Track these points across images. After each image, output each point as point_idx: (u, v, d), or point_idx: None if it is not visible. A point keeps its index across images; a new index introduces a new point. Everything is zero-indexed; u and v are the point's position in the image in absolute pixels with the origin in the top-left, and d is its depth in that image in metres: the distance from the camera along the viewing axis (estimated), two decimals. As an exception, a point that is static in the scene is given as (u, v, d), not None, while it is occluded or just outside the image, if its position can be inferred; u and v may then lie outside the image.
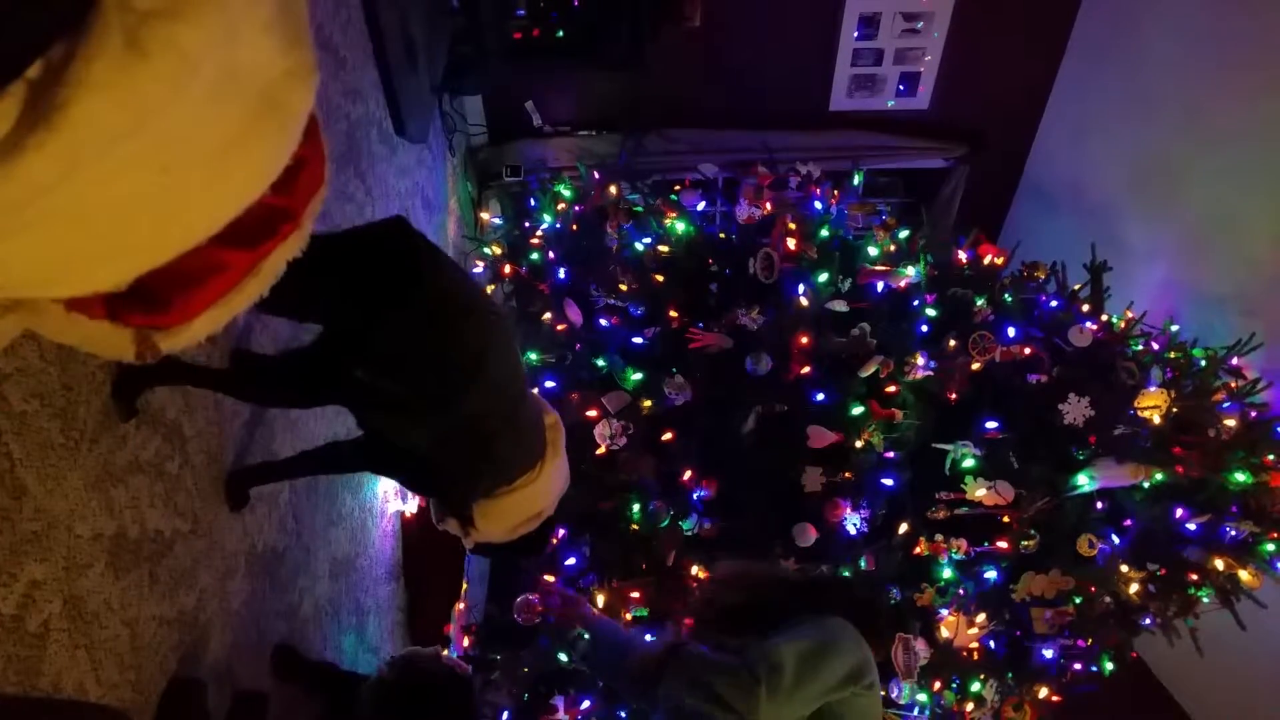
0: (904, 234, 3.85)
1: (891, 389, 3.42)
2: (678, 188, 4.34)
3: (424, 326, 1.76)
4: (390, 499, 3.69)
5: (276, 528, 2.52)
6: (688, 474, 3.44)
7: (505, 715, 3.68)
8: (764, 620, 1.97)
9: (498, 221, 4.80)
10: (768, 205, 3.87)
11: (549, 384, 3.60)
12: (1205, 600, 3.60)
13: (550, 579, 3.49)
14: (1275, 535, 3.49)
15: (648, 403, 3.49)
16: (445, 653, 2.84)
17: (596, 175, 4.28)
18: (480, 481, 2.04)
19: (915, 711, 3.49)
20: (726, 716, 1.76)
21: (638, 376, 3.50)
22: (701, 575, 3.45)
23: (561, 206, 4.23)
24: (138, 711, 1.83)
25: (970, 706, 3.53)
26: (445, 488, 2.13)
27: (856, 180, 4.29)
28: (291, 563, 2.64)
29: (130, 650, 1.80)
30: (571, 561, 3.48)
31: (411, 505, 3.78)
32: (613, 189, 4.14)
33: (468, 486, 2.05)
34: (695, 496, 3.47)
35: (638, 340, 3.61)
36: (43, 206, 0.80)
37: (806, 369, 3.42)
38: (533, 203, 4.45)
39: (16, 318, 0.97)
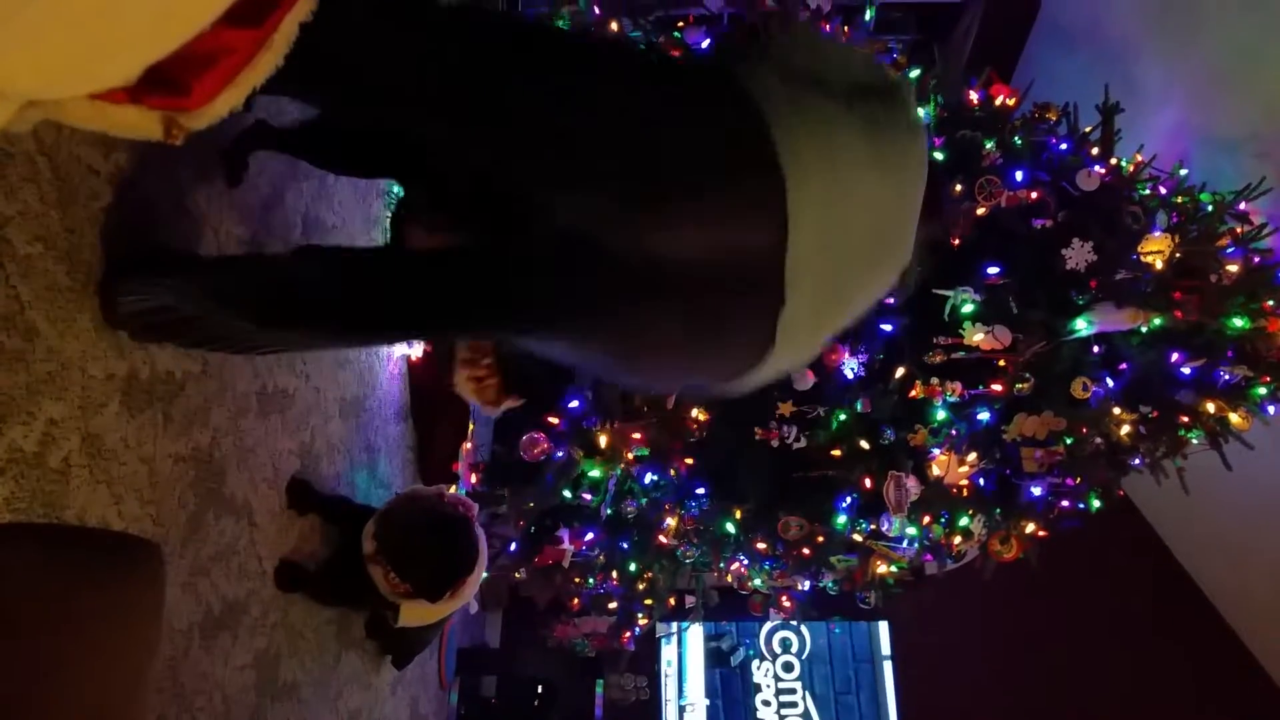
0: (915, 73, 3.75)
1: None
2: (681, 24, 4.18)
3: None
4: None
5: (286, 369, 2.57)
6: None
7: (512, 546, 3.85)
8: None
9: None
10: (774, 43, 3.75)
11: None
12: (1194, 441, 3.70)
13: (554, 420, 3.58)
14: (1268, 379, 3.55)
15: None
16: (452, 490, 2.94)
17: (597, 10, 4.12)
18: None
19: (905, 544, 3.65)
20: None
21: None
22: (702, 418, 3.54)
23: (561, 44, 4.09)
24: (161, 541, 1.92)
25: (958, 540, 3.68)
26: None
27: (868, 15, 4.13)
28: (302, 403, 2.70)
29: (149, 486, 1.88)
30: (575, 404, 3.56)
31: (417, 349, 3.83)
32: (614, 25, 3.99)
33: None
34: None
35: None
36: (33, 14, 0.79)
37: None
38: (532, 40, 4.30)
39: (40, 109, 0.98)
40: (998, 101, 3.71)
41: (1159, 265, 3.46)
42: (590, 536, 3.79)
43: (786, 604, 4.36)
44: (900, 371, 3.47)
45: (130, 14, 0.87)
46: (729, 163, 1.27)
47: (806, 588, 4.29)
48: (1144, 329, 3.50)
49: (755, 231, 1.26)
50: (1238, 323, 3.48)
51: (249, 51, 1.05)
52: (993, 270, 3.42)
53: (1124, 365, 3.60)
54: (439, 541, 2.85)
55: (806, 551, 3.76)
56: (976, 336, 3.38)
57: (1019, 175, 3.48)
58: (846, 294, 1.42)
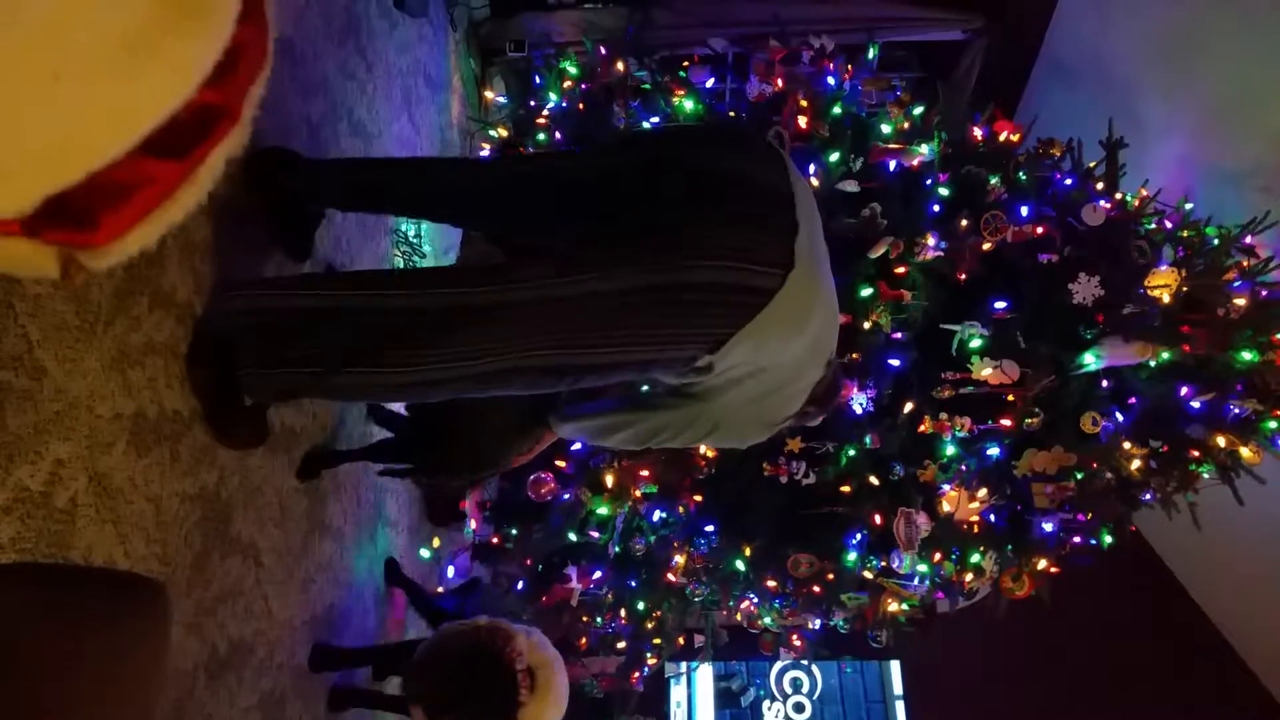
0: (918, 110, 3.77)
1: (901, 270, 3.41)
2: (686, 64, 4.23)
3: None
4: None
5: (293, 409, 2.57)
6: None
7: (520, 585, 3.82)
8: None
9: (502, 100, 4.71)
10: (779, 81, 3.78)
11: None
12: (1205, 476, 3.67)
13: (561, 463, 3.57)
14: (1278, 413, 3.53)
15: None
16: (484, 620, 2.84)
17: (603, 51, 4.18)
18: None
19: (916, 581, 3.61)
20: None
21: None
22: (710, 454, 3.52)
23: (568, 84, 4.14)
24: (167, 581, 1.91)
25: (969, 577, 3.64)
26: None
27: (871, 54, 4.17)
28: (308, 442, 2.70)
29: (155, 525, 1.87)
30: (577, 446, 3.54)
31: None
32: (619, 65, 4.04)
33: None
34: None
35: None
36: None
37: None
38: (538, 80, 4.35)
39: None
40: (1001, 137, 3.74)
41: (1166, 299, 3.45)
42: (598, 575, 3.76)
43: (797, 643, 4.32)
44: (909, 407, 3.46)
45: (28, 138, 0.77)
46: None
47: (817, 626, 4.24)
48: (1152, 363, 3.49)
49: (773, 175, 1.90)
50: (1246, 356, 3.46)
51: (171, 184, 0.95)
52: (1000, 305, 3.43)
53: (1133, 399, 3.58)
54: (476, 682, 2.67)
55: (817, 589, 3.73)
56: (985, 371, 3.37)
57: (1024, 210, 3.49)
58: (820, 310, 1.94)
